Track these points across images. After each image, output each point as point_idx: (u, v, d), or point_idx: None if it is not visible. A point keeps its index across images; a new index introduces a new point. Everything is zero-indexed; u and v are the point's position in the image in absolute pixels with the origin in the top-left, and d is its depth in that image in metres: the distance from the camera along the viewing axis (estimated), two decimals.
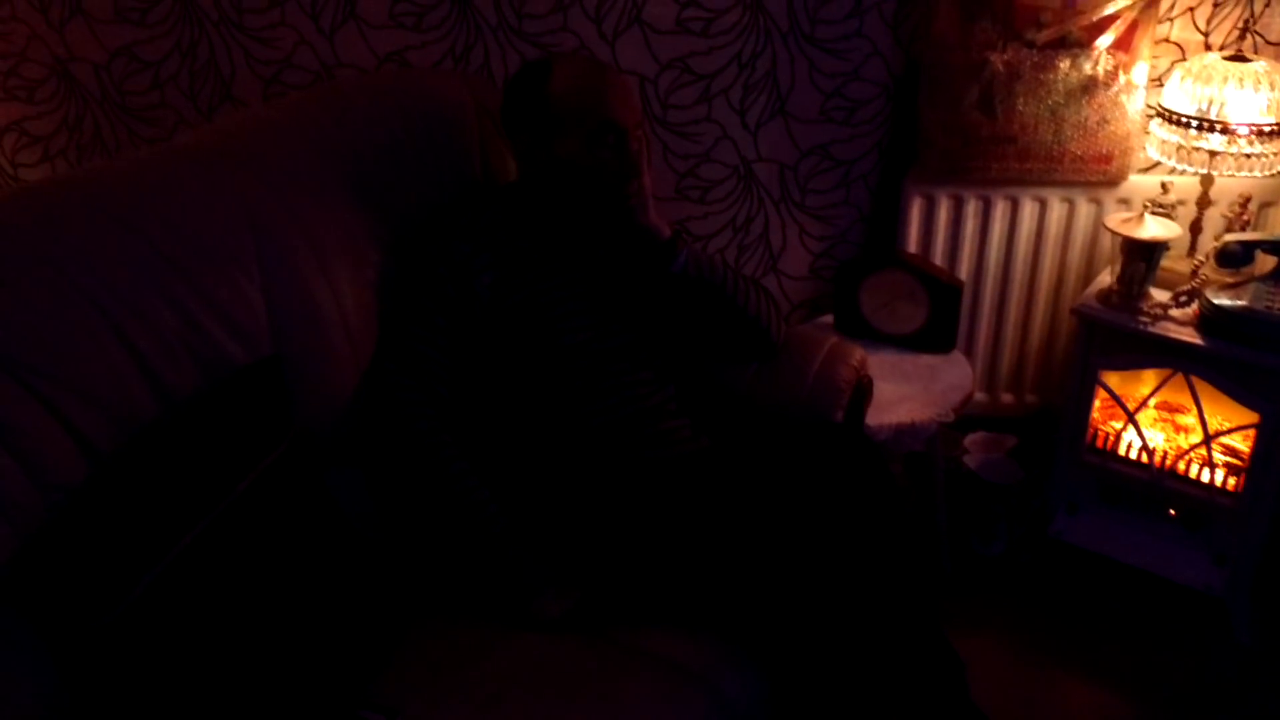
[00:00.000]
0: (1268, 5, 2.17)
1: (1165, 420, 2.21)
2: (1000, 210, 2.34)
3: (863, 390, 1.95)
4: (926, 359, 2.28)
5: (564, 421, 1.71)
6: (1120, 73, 2.17)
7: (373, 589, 1.54)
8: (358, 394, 1.63)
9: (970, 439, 2.50)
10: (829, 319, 2.40)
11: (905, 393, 2.16)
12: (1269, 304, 1.95)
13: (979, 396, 2.51)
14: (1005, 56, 2.17)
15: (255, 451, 1.42)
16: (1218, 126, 1.99)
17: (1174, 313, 2.08)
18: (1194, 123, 2.02)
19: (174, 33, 2.44)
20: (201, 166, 1.55)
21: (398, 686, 1.43)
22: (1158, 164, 2.23)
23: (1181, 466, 2.16)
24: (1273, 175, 2.07)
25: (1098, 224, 2.32)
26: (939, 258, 2.39)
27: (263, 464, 1.42)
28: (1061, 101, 2.19)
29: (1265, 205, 2.25)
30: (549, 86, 1.67)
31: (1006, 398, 2.54)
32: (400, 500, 1.66)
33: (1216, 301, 1.99)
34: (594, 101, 1.65)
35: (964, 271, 2.40)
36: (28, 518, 1.23)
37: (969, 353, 2.45)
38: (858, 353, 1.97)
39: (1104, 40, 2.14)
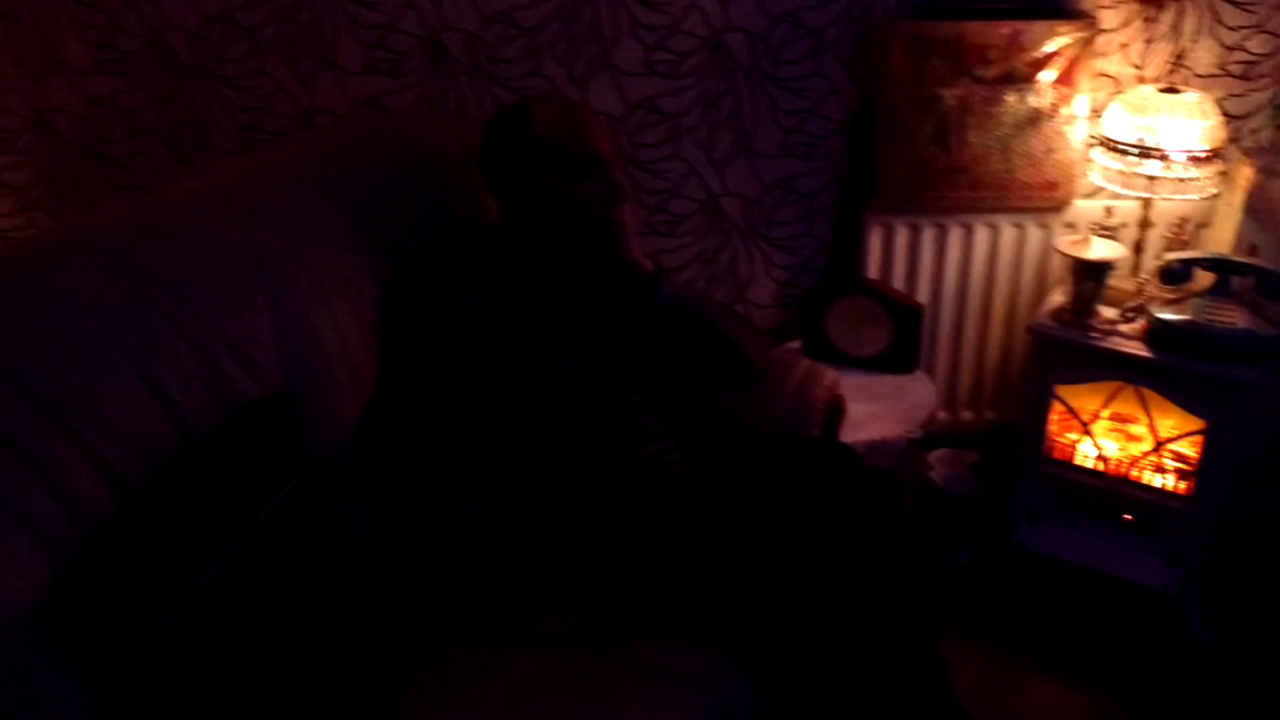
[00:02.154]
0: (1195, 42, 2.34)
1: (1118, 430, 2.34)
2: (955, 237, 2.47)
3: (836, 409, 2.05)
4: (891, 379, 2.39)
5: (558, 446, 1.79)
6: (1063, 105, 2.31)
7: (387, 609, 1.60)
8: (360, 425, 1.69)
9: (934, 455, 2.61)
10: (796, 344, 2.51)
11: (874, 411, 2.27)
12: (1209, 317, 2.09)
13: (941, 415, 2.62)
14: (956, 92, 2.31)
15: (272, 481, 1.48)
16: (1155, 153, 2.14)
17: (1123, 328, 2.21)
18: (1133, 150, 2.16)
19: (152, 82, 2.49)
20: (210, 210, 1.62)
21: (416, 700, 1.49)
22: (1100, 190, 2.37)
23: (1135, 473, 2.28)
24: (1207, 198, 2.22)
25: (1047, 247, 2.45)
26: (898, 283, 2.51)
27: (280, 493, 1.48)
28: (1010, 133, 2.33)
29: (1201, 226, 2.41)
30: (533, 127, 1.76)
31: (967, 415, 2.66)
32: (405, 526, 1.72)
33: (1161, 316, 2.13)
34: (579, 136, 1.75)
35: (923, 296, 2.52)
36: (61, 548, 1.27)
37: (930, 373, 2.56)
38: (829, 374, 2.07)
39: (1047, 75, 2.29)
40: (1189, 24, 2.32)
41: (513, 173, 1.80)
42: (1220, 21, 2.32)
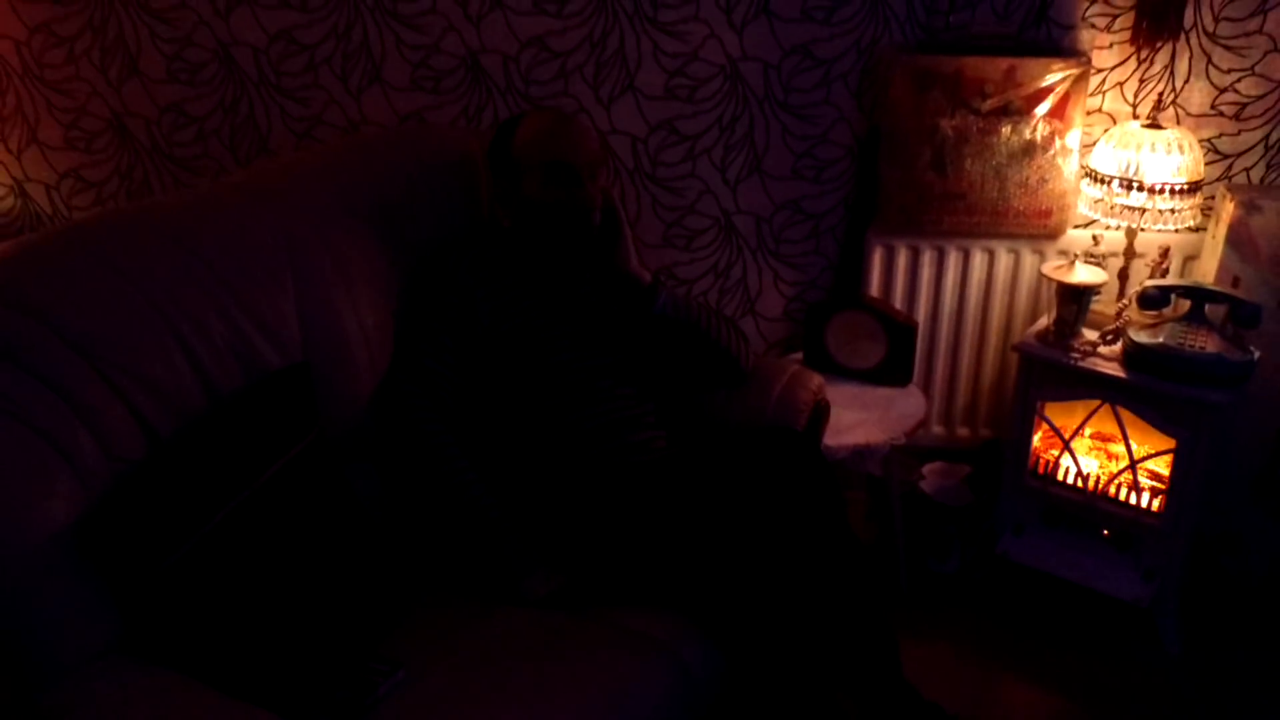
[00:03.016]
0: (1187, 81, 2.45)
1: (1098, 449, 2.45)
2: (953, 259, 2.60)
3: (820, 412, 2.19)
4: (884, 391, 2.52)
5: (554, 427, 1.96)
6: (1056, 138, 2.44)
7: (382, 561, 1.78)
8: (373, 399, 1.88)
9: (928, 467, 2.74)
10: (799, 356, 2.65)
11: (862, 419, 2.40)
12: (1182, 341, 2.20)
13: (937, 430, 2.75)
14: (954, 122, 2.45)
15: (286, 441, 1.68)
16: (1136, 185, 2.26)
17: (1102, 350, 2.32)
18: (1116, 181, 2.29)
19: (219, 91, 2.73)
20: (248, 200, 1.83)
21: (403, 645, 1.66)
22: (1094, 220, 2.49)
23: (1112, 490, 2.39)
24: (1187, 229, 2.33)
25: (1040, 272, 2.57)
26: (899, 302, 2.65)
27: (292, 451, 1.67)
28: (1005, 162, 2.47)
29: (1190, 258, 2.52)
30: (515, 135, 1.95)
31: (962, 431, 2.77)
32: (408, 492, 1.90)
33: (1137, 339, 2.24)
34: (547, 145, 1.92)
35: (921, 315, 2.65)
36: (98, 483, 1.48)
37: (927, 390, 2.69)
38: (816, 379, 2.22)
39: (1041, 109, 2.42)
40: (1181, 66, 2.44)
41: (499, 177, 1.98)
42: (1213, 64, 2.43)
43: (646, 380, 2.10)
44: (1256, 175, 2.51)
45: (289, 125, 2.74)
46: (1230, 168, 2.50)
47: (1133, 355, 2.26)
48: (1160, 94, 2.46)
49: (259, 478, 1.60)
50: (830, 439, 2.26)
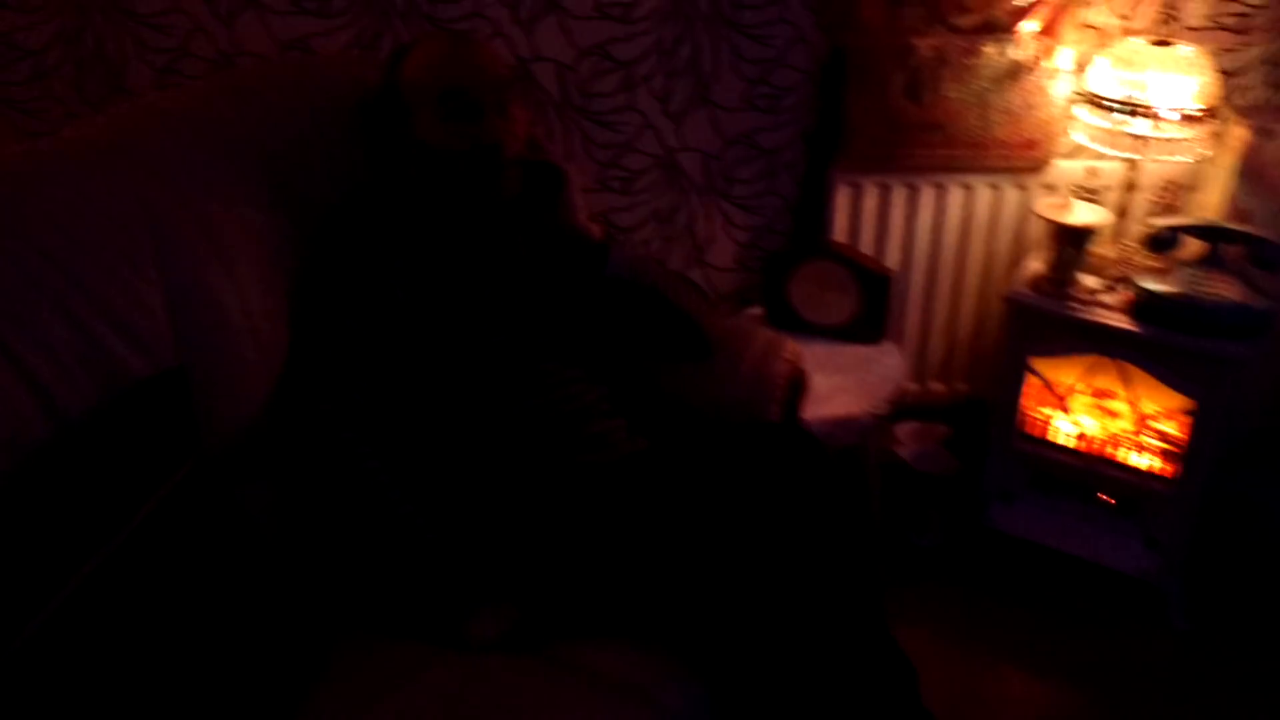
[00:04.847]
0: None
1: (1096, 406, 2.21)
2: (927, 198, 2.32)
3: (797, 385, 1.90)
4: (858, 350, 2.25)
5: (493, 426, 1.63)
6: (1045, 58, 2.16)
7: (292, 611, 1.44)
8: (267, 404, 1.52)
9: (902, 429, 2.48)
10: (758, 311, 2.35)
11: (838, 385, 2.12)
12: (1200, 288, 1.95)
13: (910, 386, 2.49)
14: (931, 42, 2.15)
15: (159, 471, 1.31)
16: (1144, 111, 1.98)
17: (1104, 298, 2.07)
18: (1120, 108, 2.01)
19: (56, 18, 2.27)
20: (92, 163, 1.42)
21: (328, 707, 1.34)
22: (1082, 149, 2.22)
23: (1113, 452, 2.15)
24: (1198, 160, 2.07)
25: (1024, 210, 2.31)
26: (866, 247, 2.36)
27: (168, 484, 1.31)
28: (988, 87, 2.18)
29: (1188, 189, 2.27)
30: (402, 67, 1.60)
31: (937, 386, 2.52)
32: (319, 515, 1.55)
33: (1148, 287, 1.99)
34: (437, 73, 1.57)
35: (892, 260, 2.37)
36: None
37: (898, 342, 2.42)
38: (790, 346, 1.92)
39: (1028, 25, 2.13)
40: None
41: (384, 120, 1.62)
42: None
43: (596, 358, 1.77)
44: (1258, 96, 2.26)
45: (147, 59, 2.30)
46: (1230, 88, 2.24)
47: (1143, 305, 2.01)
48: (1161, 5, 2.17)
49: (127, 522, 1.24)
50: (805, 411, 1.97)
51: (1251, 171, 2.10)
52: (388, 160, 1.68)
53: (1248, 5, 2.19)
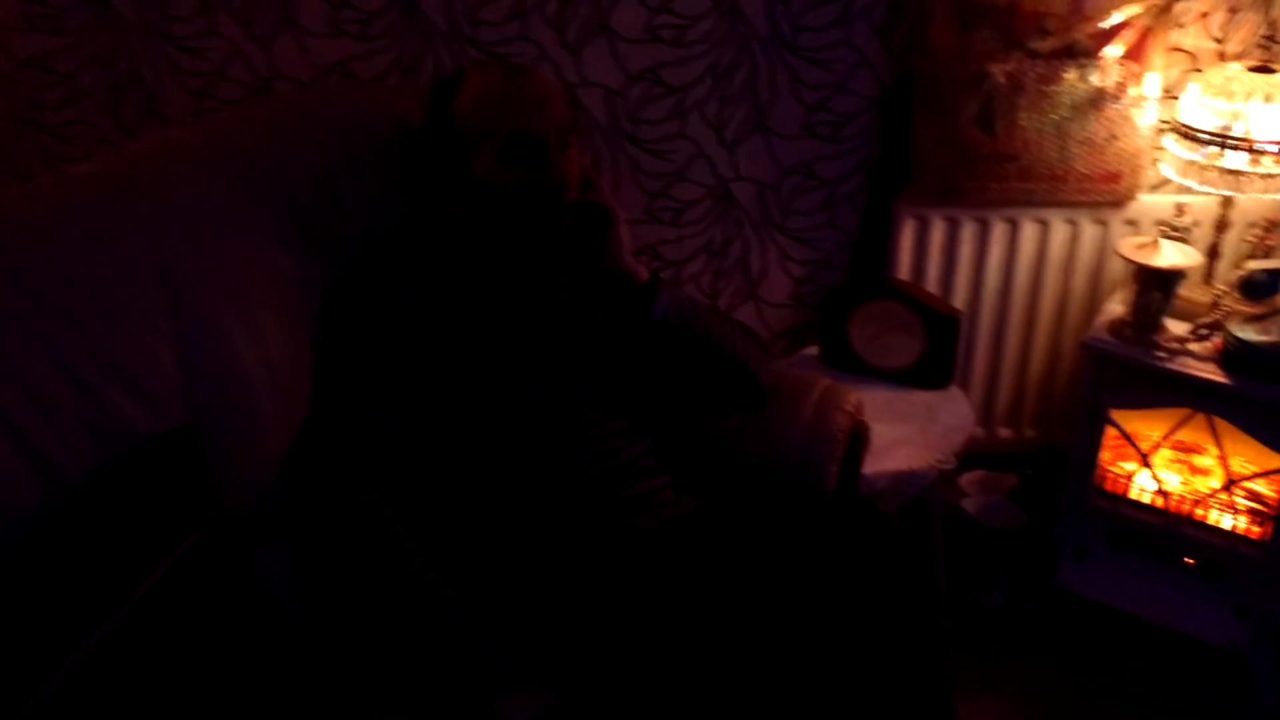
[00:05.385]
0: None
1: (1181, 462, 2.04)
2: (999, 233, 2.17)
3: (859, 438, 1.77)
4: (922, 396, 2.10)
5: (529, 484, 1.51)
6: (1130, 84, 2.00)
7: (313, 684, 1.33)
8: (287, 463, 1.41)
9: (967, 479, 2.33)
10: (814, 350, 2.22)
11: (901, 435, 1.98)
12: None
13: (976, 432, 2.33)
14: (1007, 67, 2.00)
15: (166, 539, 1.22)
16: (1241, 144, 1.82)
17: (1193, 346, 1.91)
18: (1214, 139, 1.85)
19: (90, 41, 2.20)
20: (101, 201, 1.33)
21: None
22: (1167, 183, 2.07)
23: (1200, 512, 1.99)
24: None
25: (1103, 247, 2.15)
26: (931, 284, 2.22)
27: (175, 553, 1.22)
28: (1067, 116, 2.02)
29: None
30: (455, 99, 1.49)
31: (1004, 432, 2.37)
32: (340, 583, 1.44)
33: (1242, 336, 1.82)
34: (499, 111, 1.46)
35: (959, 299, 2.23)
36: None
37: (964, 384, 2.27)
38: (853, 396, 1.78)
39: (1113, 49, 1.98)
40: None
41: (436, 153, 1.52)
42: None
43: (641, 408, 1.65)
44: None
45: (182, 83, 2.22)
46: None
47: (1234, 355, 1.84)
48: (1261, 27, 2.01)
49: (131, 594, 1.14)
50: (866, 465, 1.83)
51: None
52: (432, 195, 1.58)
53: None
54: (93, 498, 1.19)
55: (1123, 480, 2.06)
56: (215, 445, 1.32)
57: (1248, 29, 2.03)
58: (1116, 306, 2.04)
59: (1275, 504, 1.91)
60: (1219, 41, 2.05)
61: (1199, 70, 2.03)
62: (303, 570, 1.43)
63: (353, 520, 1.39)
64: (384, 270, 1.50)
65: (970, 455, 2.32)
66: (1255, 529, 1.95)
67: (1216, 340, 1.89)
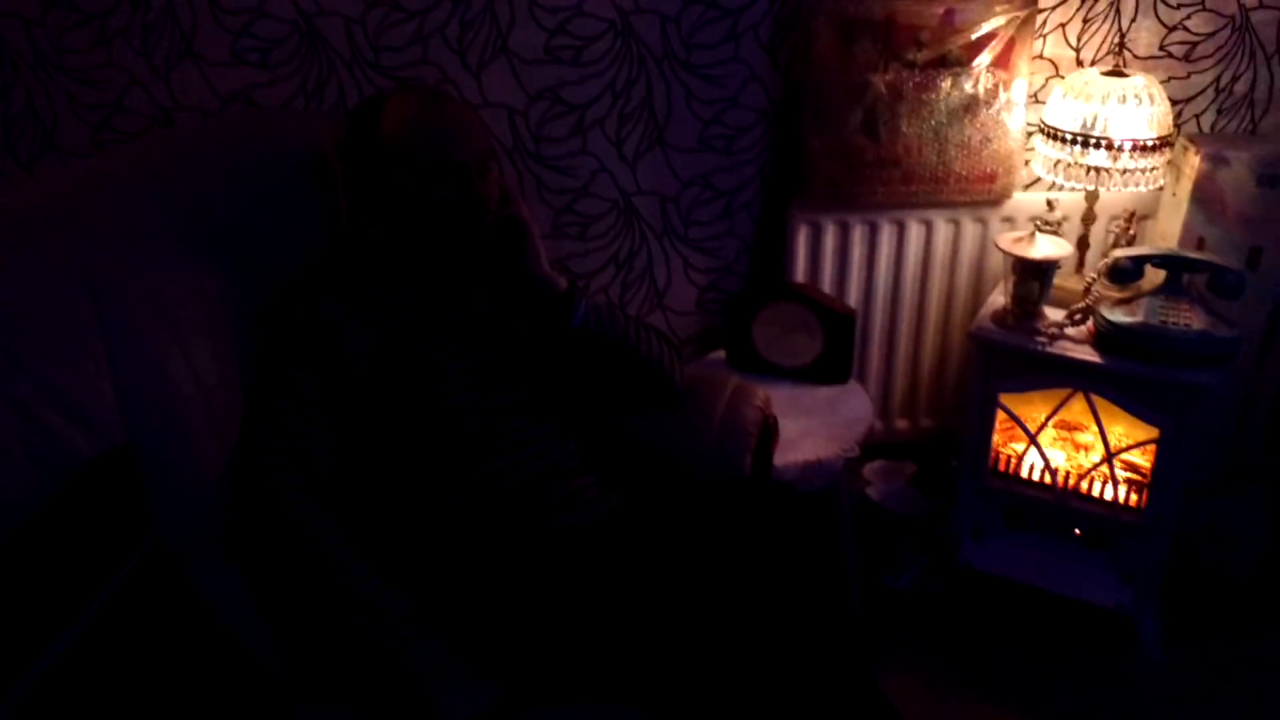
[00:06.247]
0: (1133, 20, 2.19)
1: (1064, 440, 2.19)
2: (887, 234, 2.29)
3: (769, 431, 1.86)
4: (824, 391, 2.20)
5: (457, 490, 1.56)
6: (1000, 90, 2.15)
7: (262, 699, 1.36)
8: (224, 481, 1.44)
9: (870, 469, 2.44)
10: (721, 354, 2.31)
11: (806, 428, 2.08)
12: (1163, 319, 1.94)
13: (875, 424, 2.45)
14: (887, 77, 2.12)
15: (108, 562, 1.23)
16: (1101, 143, 1.98)
17: (1070, 331, 2.05)
18: (1078, 139, 2.00)
19: None
20: (25, 230, 1.34)
21: None
22: (1039, 180, 2.22)
23: (1084, 486, 2.13)
24: (1155, 189, 2.07)
25: (984, 244, 2.29)
26: (827, 286, 2.33)
27: (118, 575, 1.23)
28: (944, 121, 2.16)
29: (1144, 218, 2.26)
30: (380, 124, 1.54)
31: (901, 423, 2.49)
32: (283, 596, 1.47)
33: (1112, 319, 1.97)
34: (423, 140, 1.52)
35: (853, 298, 2.34)
36: None
37: (862, 380, 2.39)
38: (761, 393, 1.88)
39: (983, 59, 2.12)
40: (1128, 1, 2.17)
41: (360, 174, 1.57)
42: None
43: (563, 411, 1.72)
44: (1206, 123, 2.27)
45: (80, 115, 2.21)
46: (1180, 115, 2.25)
47: (1107, 336, 1.99)
48: (1112, 35, 2.18)
49: (71, 626, 1.15)
50: (776, 457, 1.92)
51: (1206, 199, 2.10)
52: (352, 216, 1.62)
53: (1195, 33, 2.19)
54: (38, 526, 1.20)
55: (1014, 460, 2.19)
56: (152, 467, 1.34)
57: (1101, 37, 2.19)
58: (999, 298, 2.17)
59: (1149, 473, 2.06)
60: (1076, 49, 2.21)
61: (1060, 76, 2.19)
62: (250, 589, 1.46)
63: (289, 533, 1.42)
64: (308, 290, 1.54)
65: (871, 445, 2.44)
66: (1134, 497, 2.10)
67: (1090, 324, 2.04)
